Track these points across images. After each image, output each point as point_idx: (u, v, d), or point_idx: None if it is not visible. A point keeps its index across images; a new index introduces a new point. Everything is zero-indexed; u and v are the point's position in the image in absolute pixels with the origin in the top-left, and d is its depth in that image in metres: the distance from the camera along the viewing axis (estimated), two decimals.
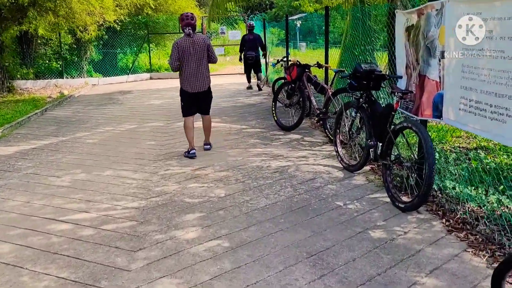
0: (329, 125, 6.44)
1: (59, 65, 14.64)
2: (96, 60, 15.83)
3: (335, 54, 8.43)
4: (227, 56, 22.10)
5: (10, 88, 12.53)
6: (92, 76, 15.20)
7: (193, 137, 6.02)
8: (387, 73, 5.73)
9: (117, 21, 14.17)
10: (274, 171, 5.12)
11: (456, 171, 4.16)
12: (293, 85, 6.99)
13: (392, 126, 4.14)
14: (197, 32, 5.96)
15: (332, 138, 5.75)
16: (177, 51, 5.69)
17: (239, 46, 12.41)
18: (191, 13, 5.93)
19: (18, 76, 12.70)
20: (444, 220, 3.64)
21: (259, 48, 11.90)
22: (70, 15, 11.72)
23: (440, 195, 3.98)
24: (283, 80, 8.21)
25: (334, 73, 6.47)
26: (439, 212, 3.78)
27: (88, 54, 15.07)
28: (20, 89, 13.21)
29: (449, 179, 4.05)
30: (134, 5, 14.87)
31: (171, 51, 5.76)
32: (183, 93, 5.94)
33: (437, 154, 4.29)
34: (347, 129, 5.14)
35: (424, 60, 3.96)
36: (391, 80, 4.89)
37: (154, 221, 3.84)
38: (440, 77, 3.73)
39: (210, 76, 6.11)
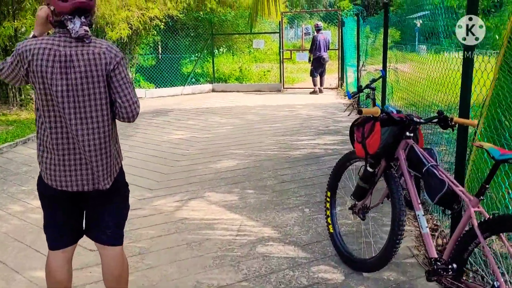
0: None
1: None
2: (146, 66, 12.88)
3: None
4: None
5: (24, 102, 9.97)
6: (140, 87, 12.24)
7: None
8: None
9: (167, 17, 11.00)
10: None
11: None
12: (370, 169, 2.80)
13: None
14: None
15: None
16: (20, 64, 2.06)
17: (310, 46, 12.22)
18: None
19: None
20: None
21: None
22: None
23: None
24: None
25: (495, 162, 2.11)
26: None
27: (135, 59, 12.11)
28: None
29: None
30: None
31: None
32: (44, 191, 2.21)
33: None
34: None
35: None
36: None
37: None
38: None
39: (119, 151, 2.31)
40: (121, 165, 2.31)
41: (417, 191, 2.63)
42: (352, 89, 11.22)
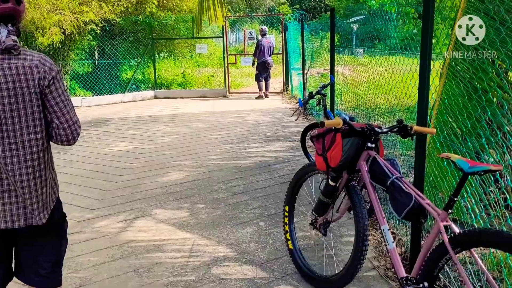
0: None
1: None
2: (82, 73, 12.19)
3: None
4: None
5: None
6: (75, 95, 11.52)
7: None
8: None
9: (103, 21, 10.44)
10: None
11: None
12: (332, 183, 2.66)
13: None
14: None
15: None
16: None
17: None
18: None
19: None
20: None
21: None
22: None
23: None
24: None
25: (464, 174, 2.02)
26: None
27: (69, 65, 11.39)
28: None
29: None
30: (130, 1, 11.05)
31: None
32: None
33: None
34: None
35: None
36: None
37: None
38: None
39: (55, 178, 2.00)
40: (58, 195, 1.99)
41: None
42: (297, 93, 11.25)
